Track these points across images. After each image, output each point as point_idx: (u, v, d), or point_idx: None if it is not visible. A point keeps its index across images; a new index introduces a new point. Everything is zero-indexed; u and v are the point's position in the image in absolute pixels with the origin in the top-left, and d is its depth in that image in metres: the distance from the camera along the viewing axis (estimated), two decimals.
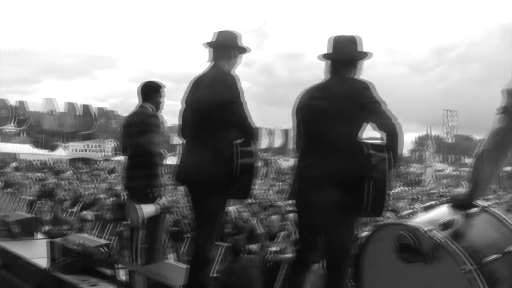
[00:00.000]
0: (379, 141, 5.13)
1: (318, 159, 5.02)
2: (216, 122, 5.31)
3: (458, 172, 75.56)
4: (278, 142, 71.90)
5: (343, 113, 5.01)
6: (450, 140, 74.09)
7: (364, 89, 5.11)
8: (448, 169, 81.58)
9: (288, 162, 66.61)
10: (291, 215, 13.56)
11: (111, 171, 47.09)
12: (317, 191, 4.94)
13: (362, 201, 4.90)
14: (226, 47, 5.63)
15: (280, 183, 35.01)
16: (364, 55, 5.31)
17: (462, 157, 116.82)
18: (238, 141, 5.39)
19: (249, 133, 5.41)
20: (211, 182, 5.30)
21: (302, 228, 5.38)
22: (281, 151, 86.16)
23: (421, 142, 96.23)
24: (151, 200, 7.63)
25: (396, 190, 31.67)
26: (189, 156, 5.56)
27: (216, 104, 5.29)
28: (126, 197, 17.72)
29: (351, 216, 5.06)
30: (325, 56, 5.27)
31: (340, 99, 5.03)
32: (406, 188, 34.49)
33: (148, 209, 7.62)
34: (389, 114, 5.12)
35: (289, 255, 12.02)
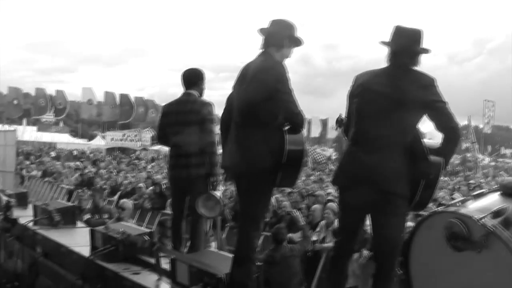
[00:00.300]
0: (435, 143, 5.06)
1: (377, 147, 4.95)
2: (263, 109, 5.24)
3: (496, 163, 74.86)
4: (316, 132, 71.54)
5: (408, 105, 4.94)
6: (488, 131, 73.26)
7: (432, 85, 5.05)
8: (486, 159, 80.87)
9: (325, 152, 66.46)
10: (331, 204, 13.51)
11: (151, 160, 47.34)
12: (374, 179, 4.89)
13: (413, 197, 4.86)
14: (278, 36, 5.53)
15: (318, 173, 34.98)
16: (427, 50, 5.23)
17: (500, 147, 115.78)
18: (286, 128, 5.34)
19: (298, 120, 5.33)
20: (259, 169, 5.25)
21: (348, 215, 5.30)
22: (319, 140, 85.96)
23: (460, 133, 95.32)
24: (211, 189, 7.65)
25: None
26: (235, 143, 5.48)
27: (264, 91, 5.24)
28: (166, 186, 18.01)
29: (403, 208, 4.99)
30: (393, 44, 5.16)
31: (407, 91, 4.96)
32: (446, 178, 34.24)
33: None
34: (453, 117, 5.04)
35: (329, 244, 12.03)
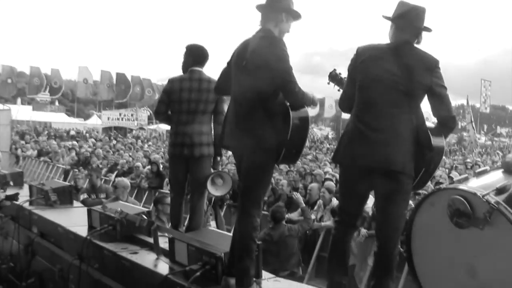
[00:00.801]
0: (431, 125, 5.02)
1: (385, 125, 4.86)
2: (265, 87, 5.17)
3: (492, 142, 75.18)
4: (313, 111, 71.44)
5: (415, 84, 4.87)
6: (485, 110, 73.39)
7: (437, 67, 4.99)
8: (483, 139, 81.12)
9: (322, 131, 66.56)
10: (328, 183, 13.51)
11: (148, 140, 47.35)
12: (383, 157, 4.80)
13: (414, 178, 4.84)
14: (275, 10, 5.37)
15: (315, 152, 35.04)
16: (429, 29, 5.16)
17: (496, 126, 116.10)
18: (289, 104, 5.27)
19: (300, 97, 5.24)
20: (262, 147, 5.18)
21: (351, 194, 5.24)
22: (316, 120, 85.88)
23: (457, 112, 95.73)
24: (207, 168, 7.63)
25: None
26: (237, 122, 5.41)
27: (264, 70, 5.16)
28: (163, 165, 17.98)
29: (409, 186, 4.96)
30: (396, 19, 5.07)
31: (414, 70, 4.89)
32: (443, 157, 34.35)
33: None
34: (451, 106, 5.03)
35: (327, 223, 12.05)
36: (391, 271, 4.92)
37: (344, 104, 5.35)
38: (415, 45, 5.04)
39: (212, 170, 7.55)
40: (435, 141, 4.73)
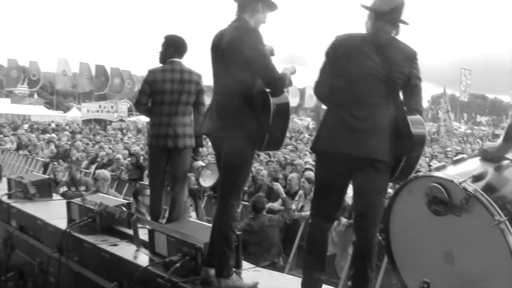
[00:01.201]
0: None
1: (368, 113, 4.83)
2: (242, 75, 5.16)
3: (472, 130, 75.72)
4: (294, 101, 71.05)
5: (395, 75, 4.86)
6: (465, 99, 73.85)
7: (416, 58, 5.01)
8: (463, 128, 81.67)
9: (303, 121, 66.58)
10: (308, 172, 13.53)
11: (127, 132, 47.19)
12: (365, 145, 4.77)
13: (395, 170, 4.84)
14: (251, 1, 5.30)
15: (295, 142, 35.09)
16: (406, 22, 5.14)
17: (476, 115, 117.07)
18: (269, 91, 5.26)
19: (279, 84, 5.23)
20: (242, 136, 5.18)
21: (330, 182, 5.21)
22: (296, 110, 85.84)
23: (437, 101, 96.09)
24: (188, 160, 7.63)
25: None
26: (217, 110, 5.39)
27: (240, 60, 5.15)
28: (143, 157, 17.96)
29: (387, 175, 4.98)
30: (375, 9, 4.98)
31: (395, 61, 4.89)
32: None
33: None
34: (422, 100, 5.08)
35: (307, 213, 12.07)
36: (370, 260, 4.92)
37: (320, 89, 5.24)
38: (395, 36, 5.04)
39: (193, 161, 7.55)
40: (416, 129, 4.73)
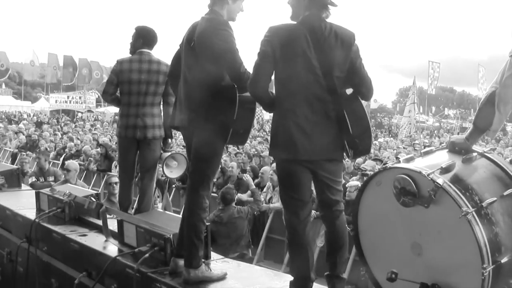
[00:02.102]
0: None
1: (315, 112, 4.78)
2: (211, 68, 5.17)
3: (440, 123, 76.35)
4: None
5: (336, 65, 4.82)
6: (432, 92, 74.30)
7: (354, 40, 4.95)
8: (430, 120, 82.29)
9: (271, 114, 66.68)
10: (275, 164, 13.61)
11: (95, 123, 46.97)
12: (319, 148, 4.78)
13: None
14: None
15: (263, 134, 35.20)
16: (334, 4, 4.99)
17: (444, 108, 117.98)
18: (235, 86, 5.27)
19: (244, 79, 5.21)
20: (210, 127, 5.19)
21: (297, 186, 5.22)
22: None
23: (405, 94, 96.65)
24: (157, 150, 7.56)
25: (380, 140, 31.98)
26: (186, 102, 5.39)
27: (210, 50, 5.16)
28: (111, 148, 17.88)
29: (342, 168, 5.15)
30: None
31: (333, 49, 4.80)
32: (391, 139, 34.75)
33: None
34: (368, 79, 5.07)
35: (275, 204, 12.15)
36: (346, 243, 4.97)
37: (258, 88, 5.03)
38: (327, 20, 4.96)
39: (162, 152, 7.53)
40: (356, 127, 4.79)
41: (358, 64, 4.92)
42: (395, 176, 4.05)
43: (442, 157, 4.28)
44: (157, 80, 7.31)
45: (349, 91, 4.99)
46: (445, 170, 3.93)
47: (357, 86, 4.98)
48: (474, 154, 4.24)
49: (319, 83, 4.80)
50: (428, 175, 3.82)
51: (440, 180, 3.81)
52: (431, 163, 4.13)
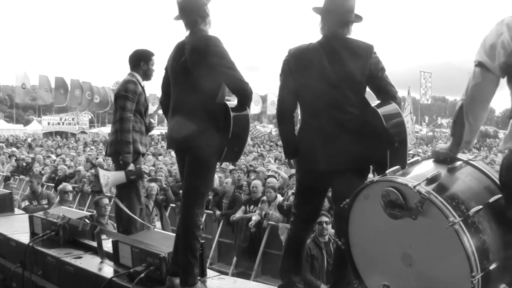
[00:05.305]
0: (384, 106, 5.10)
1: (336, 127, 4.95)
2: (207, 85, 5.20)
3: (433, 133, 76.45)
4: (256, 108, 70.99)
5: (353, 78, 4.97)
6: (425, 101, 74.62)
7: (373, 52, 5.06)
8: (424, 130, 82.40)
9: (265, 128, 66.63)
10: (271, 179, 13.63)
11: (89, 144, 46.88)
12: (342, 158, 4.93)
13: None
14: (197, 9, 5.36)
15: (258, 149, 35.22)
16: (360, 19, 5.19)
17: (437, 117, 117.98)
18: (230, 103, 5.35)
19: (248, 94, 5.31)
20: (204, 145, 5.23)
21: (312, 189, 5.35)
22: (259, 117, 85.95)
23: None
24: (121, 167, 7.62)
25: None
26: (178, 121, 5.43)
27: (205, 67, 5.20)
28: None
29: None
30: (324, 13, 5.11)
31: (348, 64, 4.96)
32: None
33: (115, 176, 7.49)
34: (392, 85, 5.15)
35: (273, 221, 12.17)
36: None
37: (284, 105, 5.34)
38: (348, 36, 5.12)
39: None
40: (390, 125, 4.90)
41: (379, 75, 5.04)
42: (382, 189, 4.08)
43: (428, 167, 4.31)
44: (115, 99, 7.93)
45: (375, 103, 5.09)
46: (430, 181, 3.94)
47: (381, 96, 5.10)
48: (459, 162, 4.27)
49: (334, 94, 4.94)
50: (414, 187, 3.84)
51: (426, 191, 3.83)
52: (417, 174, 4.16)
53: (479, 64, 3.85)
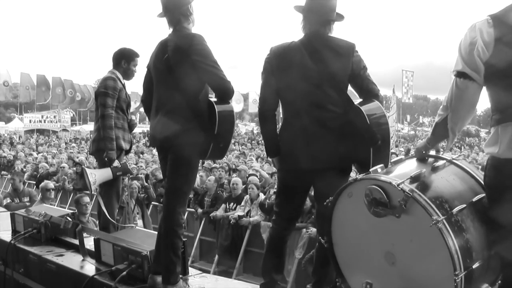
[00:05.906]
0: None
1: (318, 124, 4.94)
2: (191, 82, 5.20)
3: (415, 131, 76.77)
4: (238, 107, 70.81)
5: (335, 77, 4.97)
6: (407, 100, 74.84)
7: (355, 50, 5.06)
8: (406, 129, 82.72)
9: (247, 127, 66.68)
10: (253, 178, 13.63)
11: (71, 141, 46.72)
12: (324, 158, 4.93)
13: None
14: (180, 7, 5.36)
15: (240, 147, 35.22)
16: (341, 17, 5.18)
17: (418, 116, 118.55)
18: (214, 99, 5.35)
19: (229, 92, 5.30)
20: (188, 143, 5.23)
21: (296, 194, 5.38)
22: (240, 115, 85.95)
23: (385, 105, 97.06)
24: (105, 164, 7.55)
25: None
26: (161, 119, 5.42)
27: (188, 66, 5.19)
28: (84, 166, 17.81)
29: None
30: (306, 12, 5.11)
31: (330, 62, 4.95)
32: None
33: (102, 174, 7.45)
34: (374, 84, 5.15)
35: (255, 218, 12.17)
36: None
37: (266, 104, 5.32)
38: (330, 34, 5.13)
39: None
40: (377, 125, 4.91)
41: (361, 74, 5.04)
42: (366, 187, 4.08)
43: (411, 166, 4.32)
44: (96, 96, 7.88)
45: (357, 101, 5.08)
46: (414, 179, 3.95)
47: (363, 94, 5.10)
48: (443, 161, 4.29)
49: (316, 93, 4.95)
50: (398, 185, 3.85)
51: (410, 189, 3.84)
52: (401, 173, 4.18)
53: (461, 74, 3.79)
